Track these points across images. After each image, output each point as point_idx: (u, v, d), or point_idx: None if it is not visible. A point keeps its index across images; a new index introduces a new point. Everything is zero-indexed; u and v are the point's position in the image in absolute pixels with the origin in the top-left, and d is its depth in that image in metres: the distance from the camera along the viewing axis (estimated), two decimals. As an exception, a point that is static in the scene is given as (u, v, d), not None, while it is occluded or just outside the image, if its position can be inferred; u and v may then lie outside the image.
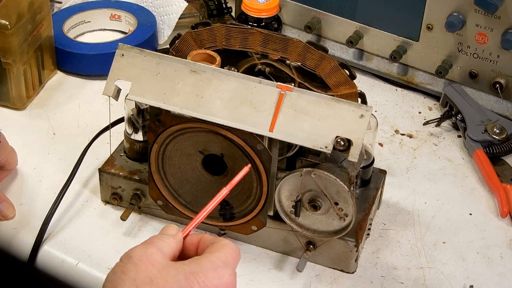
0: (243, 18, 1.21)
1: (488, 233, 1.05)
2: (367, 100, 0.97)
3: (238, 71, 0.98)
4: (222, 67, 0.97)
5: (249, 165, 0.84)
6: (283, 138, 0.89)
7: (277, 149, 0.92)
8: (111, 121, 1.07)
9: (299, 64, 0.98)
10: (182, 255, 0.76)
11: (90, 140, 1.09)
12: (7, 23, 1.12)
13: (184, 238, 0.76)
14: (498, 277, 0.98)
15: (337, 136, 0.87)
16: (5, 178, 1.07)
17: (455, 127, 1.22)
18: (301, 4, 1.31)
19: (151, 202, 1.00)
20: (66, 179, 1.03)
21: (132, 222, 1.02)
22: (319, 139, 0.87)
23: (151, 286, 0.69)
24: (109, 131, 1.06)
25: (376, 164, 1.04)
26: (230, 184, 0.81)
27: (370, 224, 1.01)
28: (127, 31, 1.35)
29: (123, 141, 1.05)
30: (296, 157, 0.94)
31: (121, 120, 1.07)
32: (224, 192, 0.80)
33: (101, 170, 1.03)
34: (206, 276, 0.71)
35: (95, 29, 1.37)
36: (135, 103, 1.00)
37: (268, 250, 1.00)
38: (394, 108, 1.26)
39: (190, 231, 0.77)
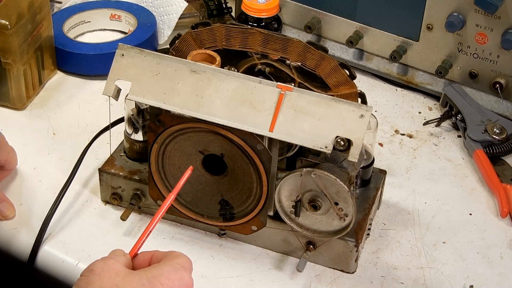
0: (243, 18, 1.21)
1: (488, 233, 1.05)
2: (367, 100, 0.97)
3: (238, 71, 0.98)
4: (222, 67, 0.97)
5: (191, 167, 0.85)
6: (283, 138, 0.89)
7: (277, 149, 0.92)
8: (111, 121, 1.07)
9: (299, 64, 0.98)
10: None
11: (90, 140, 1.09)
12: (7, 23, 1.12)
13: (133, 257, 0.78)
14: (498, 277, 0.98)
15: (337, 136, 0.87)
16: (5, 178, 1.07)
17: (455, 127, 1.22)
18: (301, 4, 1.31)
19: (151, 202, 1.00)
20: (66, 179, 1.03)
21: (132, 222, 1.02)
22: (319, 139, 0.87)
23: None
24: (109, 131, 1.06)
25: (376, 164, 1.04)
26: (175, 189, 0.82)
27: (370, 224, 1.01)
28: (127, 31, 1.35)
29: (123, 141, 1.05)
30: (296, 157, 0.94)
31: (121, 120, 1.07)
32: (170, 197, 0.82)
33: (101, 170, 1.03)
34: (169, 278, 0.73)
35: (95, 29, 1.37)
36: (135, 103, 1.00)
37: (268, 250, 1.00)
38: (394, 108, 1.26)
39: (138, 249, 0.79)
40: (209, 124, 0.89)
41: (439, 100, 1.25)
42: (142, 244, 0.79)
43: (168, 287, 0.73)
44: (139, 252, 0.79)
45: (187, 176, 0.83)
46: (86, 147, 1.08)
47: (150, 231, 0.80)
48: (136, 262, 0.78)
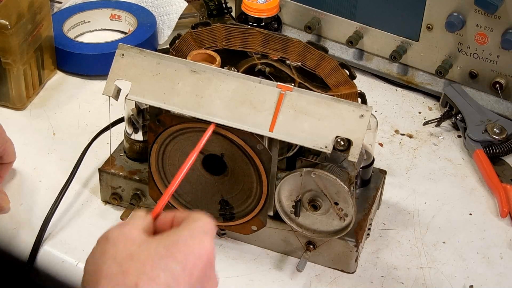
0: (243, 18, 1.21)
1: (488, 233, 1.05)
2: (367, 100, 0.97)
3: (238, 71, 0.98)
4: (222, 67, 0.97)
5: (213, 124, 0.84)
6: (283, 138, 0.89)
7: (277, 149, 0.92)
8: (111, 121, 1.07)
9: (299, 64, 0.98)
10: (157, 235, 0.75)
11: (90, 140, 1.09)
12: (7, 23, 1.12)
13: (155, 218, 0.75)
14: (498, 277, 0.98)
15: (337, 136, 0.87)
16: (5, 179, 1.07)
17: (455, 127, 1.22)
18: (301, 4, 1.31)
19: (151, 202, 1.00)
20: (66, 179, 1.03)
21: (132, 222, 1.02)
22: (319, 139, 0.87)
23: (132, 262, 0.68)
24: (109, 131, 1.06)
25: (376, 164, 1.04)
26: (198, 147, 0.80)
27: (370, 224, 1.01)
28: (127, 31, 1.35)
29: (123, 141, 1.05)
30: (296, 157, 0.94)
31: (121, 120, 1.07)
32: (193, 155, 0.79)
33: (101, 170, 1.03)
34: (187, 245, 0.70)
35: (95, 29, 1.37)
36: (135, 103, 1.00)
37: (268, 250, 1.00)
38: (394, 108, 1.26)
39: (160, 210, 0.76)
40: (209, 124, 0.89)
41: (439, 100, 1.25)
42: (164, 203, 0.76)
43: (187, 254, 0.69)
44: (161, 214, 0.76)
45: (210, 132, 0.81)
46: (86, 147, 1.08)
47: (173, 190, 0.77)
48: (158, 223, 0.75)
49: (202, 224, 0.72)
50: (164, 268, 0.68)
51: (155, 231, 0.74)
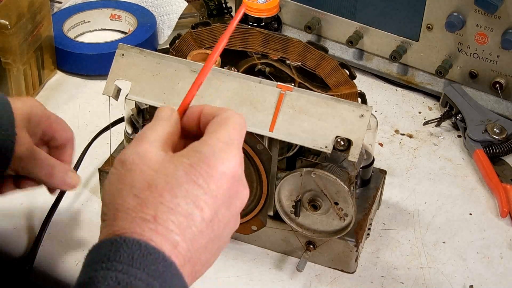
0: (243, 18, 1.21)
1: (488, 233, 1.05)
2: (367, 100, 0.97)
3: (238, 71, 0.98)
4: (222, 67, 0.97)
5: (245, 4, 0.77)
6: (283, 138, 0.89)
7: (277, 149, 0.92)
8: (111, 121, 1.07)
9: (299, 64, 0.98)
10: (185, 132, 0.70)
11: (90, 140, 1.09)
12: (7, 23, 1.12)
13: (183, 114, 0.70)
14: (498, 277, 0.98)
15: (337, 136, 0.87)
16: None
17: (455, 127, 1.22)
18: (301, 4, 1.31)
19: (151, 202, 1.00)
20: (66, 179, 1.03)
21: (132, 222, 1.02)
22: (319, 139, 0.87)
23: (150, 192, 0.63)
24: (109, 131, 1.06)
25: (376, 164, 1.04)
26: (231, 25, 0.72)
27: (370, 224, 1.01)
28: (127, 31, 1.35)
29: (123, 141, 1.05)
30: (296, 157, 0.94)
31: (121, 120, 1.07)
32: (223, 41, 0.71)
33: (101, 170, 1.03)
34: (209, 165, 0.64)
35: (95, 29, 1.37)
36: (135, 103, 1.00)
37: (268, 250, 1.00)
38: (394, 108, 1.26)
39: (187, 105, 0.70)
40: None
41: (439, 100, 1.25)
42: (192, 98, 0.70)
43: (208, 176, 0.64)
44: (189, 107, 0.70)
45: (242, 13, 0.73)
46: (86, 147, 1.08)
47: (202, 82, 0.70)
48: (185, 119, 0.69)
49: (227, 133, 0.66)
50: (185, 195, 0.63)
51: (182, 128, 0.69)
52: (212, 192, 0.64)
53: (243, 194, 0.68)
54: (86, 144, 1.08)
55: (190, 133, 0.70)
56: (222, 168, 0.65)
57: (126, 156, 0.65)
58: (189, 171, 0.64)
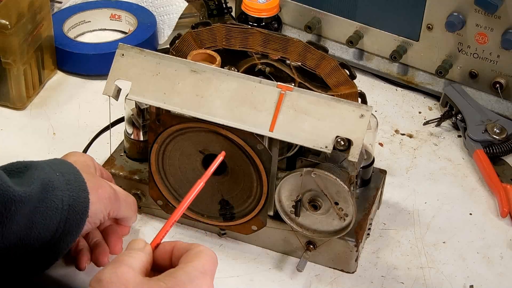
0: (243, 18, 1.21)
1: (488, 233, 1.05)
2: (367, 100, 0.97)
3: (238, 71, 0.98)
4: (222, 67, 0.97)
5: (223, 153, 0.82)
6: (283, 138, 0.89)
7: (277, 149, 0.92)
8: (111, 121, 1.07)
9: (299, 64, 0.98)
10: (156, 266, 0.73)
11: (90, 140, 1.09)
12: (7, 23, 1.12)
13: (155, 248, 0.73)
14: (498, 277, 0.98)
15: (337, 136, 0.87)
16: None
17: (455, 127, 1.22)
18: (301, 4, 1.31)
19: (151, 202, 1.00)
20: (66, 179, 1.03)
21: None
22: (319, 139, 0.87)
23: None
24: (109, 131, 1.06)
25: (376, 164, 1.04)
26: (205, 176, 0.78)
27: (370, 224, 1.01)
28: (127, 31, 1.35)
29: (123, 141, 1.05)
30: (296, 157, 0.94)
31: (121, 120, 1.07)
32: (199, 185, 0.77)
33: (101, 170, 1.03)
34: None
35: (95, 29, 1.37)
36: (135, 103, 1.00)
37: (268, 250, 1.00)
38: (394, 108, 1.26)
39: (160, 240, 0.73)
40: (209, 124, 0.89)
41: (439, 100, 1.25)
42: (165, 235, 0.73)
43: None
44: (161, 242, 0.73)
45: (219, 161, 0.79)
46: (86, 147, 1.08)
47: (175, 220, 0.74)
48: (157, 253, 0.72)
49: (201, 264, 0.69)
50: None
51: (154, 261, 0.71)
52: None
53: None
54: (86, 144, 1.08)
55: (161, 267, 0.72)
56: None
57: (104, 275, 0.67)
58: None
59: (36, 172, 0.81)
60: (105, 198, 0.87)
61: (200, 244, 0.72)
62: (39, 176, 0.80)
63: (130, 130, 1.03)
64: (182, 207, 0.76)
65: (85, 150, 1.07)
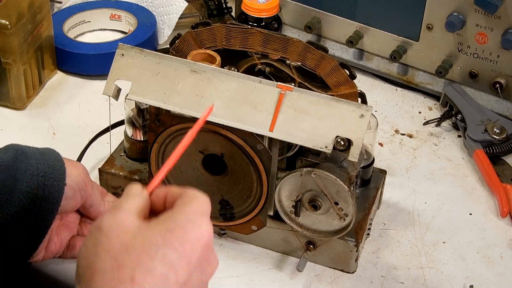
0: (243, 18, 1.21)
1: (488, 233, 1.05)
2: (367, 100, 0.97)
3: (238, 71, 0.98)
4: (222, 67, 0.97)
5: (212, 105, 0.81)
6: (283, 138, 0.89)
7: (277, 149, 0.92)
8: (111, 122, 1.07)
9: (299, 64, 0.98)
10: (150, 212, 0.72)
11: (89, 140, 1.09)
12: (7, 23, 1.12)
13: (150, 194, 0.72)
14: (498, 277, 0.98)
15: (337, 136, 0.87)
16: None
17: (455, 127, 1.22)
18: (301, 4, 1.31)
19: (151, 202, 1.00)
20: (66, 179, 1.03)
21: (132, 222, 1.02)
22: (319, 139, 0.87)
23: (127, 255, 0.65)
24: (108, 126, 1.06)
25: (376, 164, 1.04)
26: (197, 125, 0.77)
27: (370, 224, 1.01)
28: (127, 31, 1.35)
29: (123, 141, 1.05)
30: (296, 157, 0.94)
31: (120, 123, 1.07)
32: (189, 137, 0.75)
33: (101, 170, 1.03)
34: (184, 230, 0.67)
35: (95, 29, 1.37)
36: (135, 103, 1.00)
37: (268, 250, 1.00)
38: (394, 108, 1.26)
39: (156, 186, 0.72)
40: (209, 124, 0.89)
41: (439, 100, 1.25)
42: (161, 180, 0.73)
43: (184, 241, 0.66)
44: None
45: (208, 113, 0.78)
46: (84, 148, 1.08)
47: (171, 167, 0.73)
48: (152, 199, 0.72)
49: (198, 205, 0.69)
50: (161, 259, 0.65)
51: (150, 206, 0.71)
52: (187, 256, 0.66)
53: (214, 264, 0.71)
54: (86, 144, 1.08)
55: (155, 212, 0.72)
56: (197, 234, 0.67)
57: (103, 222, 0.67)
58: (165, 235, 0.66)
59: (10, 145, 0.86)
60: (82, 172, 0.88)
61: (192, 188, 0.71)
62: (13, 147, 0.85)
63: (130, 130, 1.03)
64: (178, 153, 0.75)
65: (83, 152, 1.07)
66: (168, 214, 0.69)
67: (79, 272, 0.66)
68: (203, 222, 0.69)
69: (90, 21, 1.36)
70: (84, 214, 0.94)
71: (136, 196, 0.70)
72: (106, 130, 1.08)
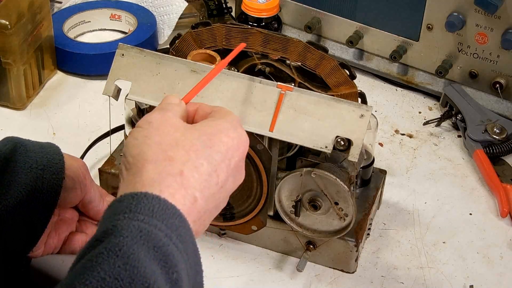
0: (243, 18, 1.21)
1: (488, 233, 1.05)
2: (367, 100, 0.97)
3: (238, 71, 0.98)
4: (222, 67, 0.97)
5: (243, 44, 0.84)
6: (283, 138, 0.89)
7: (277, 149, 0.92)
8: (111, 121, 1.06)
9: (299, 64, 0.98)
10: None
11: (90, 140, 1.09)
12: (7, 23, 1.12)
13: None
14: (498, 277, 0.98)
15: (337, 136, 0.87)
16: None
17: (455, 127, 1.22)
18: (301, 4, 1.31)
19: (151, 202, 1.00)
20: (66, 179, 1.03)
21: (132, 222, 1.02)
22: (319, 139, 0.87)
23: (178, 149, 0.68)
24: (109, 130, 1.06)
25: (376, 164, 1.04)
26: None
27: (370, 224, 1.01)
28: (127, 31, 1.35)
29: (123, 141, 1.05)
30: (296, 157, 0.94)
31: (120, 127, 1.07)
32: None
33: (101, 170, 1.03)
34: (228, 136, 0.71)
35: (95, 29, 1.37)
36: (135, 103, 1.00)
37: (268, 250, 1.00)
38: (394, 108, 1.26)
39: (191, 98, 0.76)
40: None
41: (439, 100, 1.25)
42: (197, 92, 0.76)
43: (228, 145, 0.71)
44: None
45: (240, 48, 0.82)
46: (86, 150, 1.08)
47: (210, 79, 0.76)
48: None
49: (234, 118, 0.73)
50: (208, 157, 0.69)
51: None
52: (228, 160, 0.71)
53: (242, 176, 0.74)
54: (86, 144, 1.08)
55: (188, 122, 0.75)
56: (239, 141, 0.72)
57: (153, 118, 0.71)
58: (212, 137, 0.70)
59: (9, 137, 0.87)
60: (81, 166, 0.89)
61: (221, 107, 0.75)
62: (12, 140, 0.86)
63: (130, 130, 1.02)
64: (220, 67, 0.79)
65: (84, 154, 1.07)
66: (213, 120, 0.73)
67: (128, 160, 0.69)
68: (243, 131, 0.73)
69: (90, 21, 1.36)
70: (83, 213, 0.94)
71: (176, 105, 0.74)
72: (106, 134, 1.08)
